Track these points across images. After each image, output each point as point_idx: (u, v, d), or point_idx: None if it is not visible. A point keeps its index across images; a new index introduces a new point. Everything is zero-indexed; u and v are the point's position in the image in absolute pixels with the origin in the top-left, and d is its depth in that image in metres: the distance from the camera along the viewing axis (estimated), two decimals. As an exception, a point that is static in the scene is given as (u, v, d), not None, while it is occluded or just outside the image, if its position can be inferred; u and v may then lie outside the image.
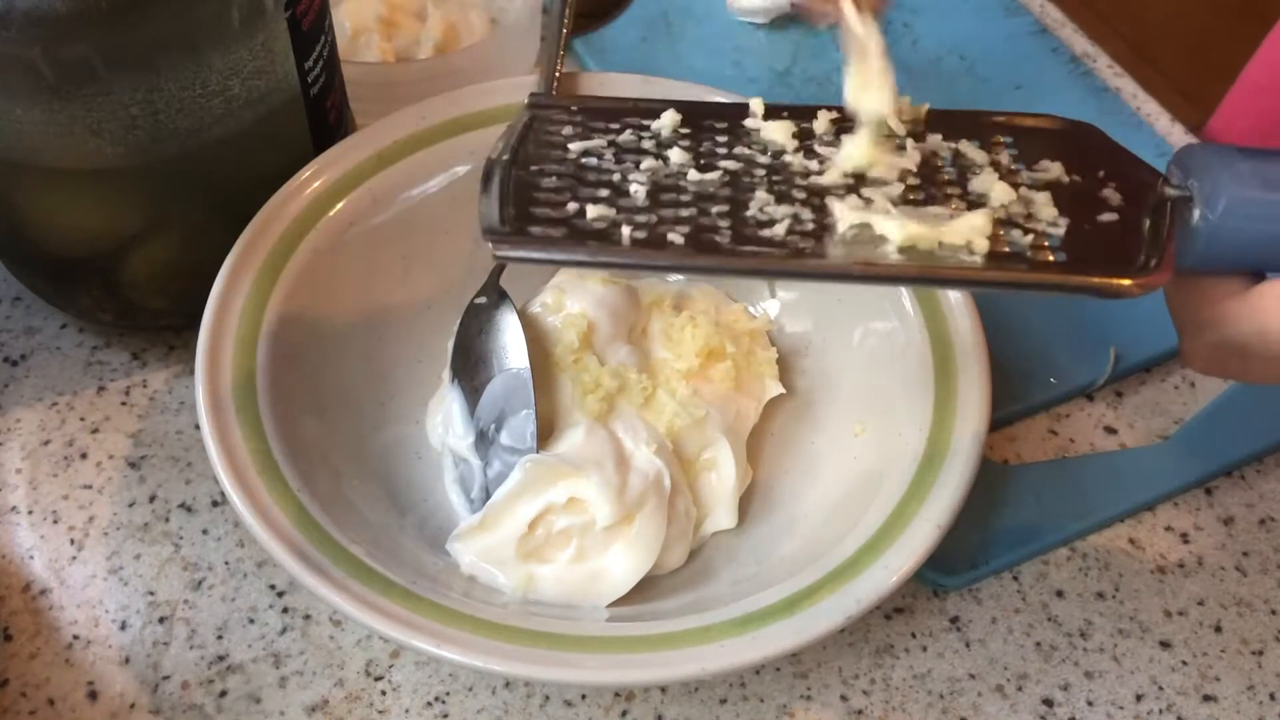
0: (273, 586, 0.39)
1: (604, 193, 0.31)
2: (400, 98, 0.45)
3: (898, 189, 0.32)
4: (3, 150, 0.36)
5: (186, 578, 0.39)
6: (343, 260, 0.41)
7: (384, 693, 0.37)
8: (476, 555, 0.37)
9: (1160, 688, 0.39)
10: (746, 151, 0.33)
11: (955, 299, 0.39)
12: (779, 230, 0.30)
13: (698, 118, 0.34)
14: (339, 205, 0.40)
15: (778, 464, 0.41)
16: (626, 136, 0.33)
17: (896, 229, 0.30)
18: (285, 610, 0.39)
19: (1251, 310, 0.28)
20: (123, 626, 0.38)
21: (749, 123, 0.34)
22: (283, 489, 0.34)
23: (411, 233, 0.42)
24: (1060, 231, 0.30)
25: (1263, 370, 0.29)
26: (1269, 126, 0.65)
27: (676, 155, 0.33)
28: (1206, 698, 0.39)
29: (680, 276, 0.46)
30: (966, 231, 0.30)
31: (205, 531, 0.40)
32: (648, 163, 0.32)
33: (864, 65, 0.33)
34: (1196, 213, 0.29)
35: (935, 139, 0.34)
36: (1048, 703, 0.38)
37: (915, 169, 0.32)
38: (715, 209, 0.31)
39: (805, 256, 0.30)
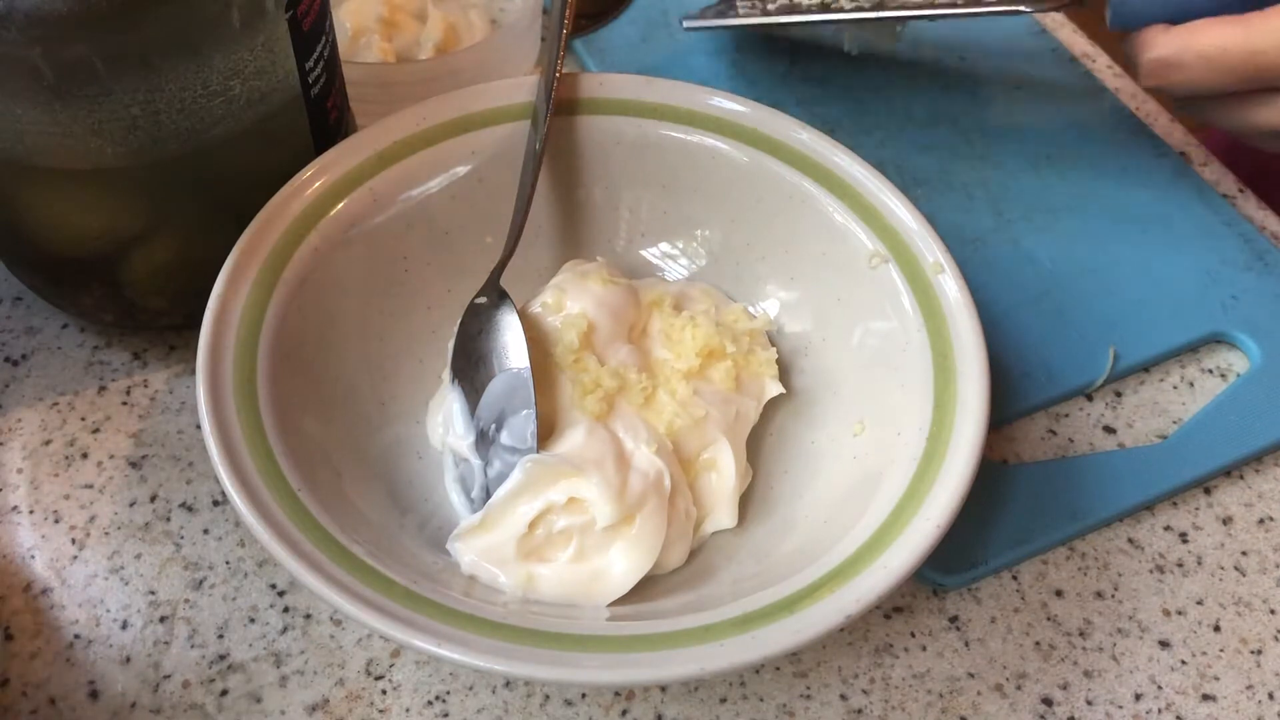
0: (273, 586, 0.39)
1: None
2: (401, 98, 0.45)
3: None
4: (3, 150, 0.36)
5: (187, 577, 0.39)
6: (343, 260, 0.41)
7: (384, 692, 0.37)
8: (477, 555, 0.37)
9: (1159, 687, 0.39)
10: None
11: (955, 299, 0.39)
12: None
13: None
14: (339, 205, 0.41)
15: (778, 464, 0.41)
16: None
17: None
18: (286, 610, 0.39)
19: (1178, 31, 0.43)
20: (124, 626, 0.38)
21: None
22: (283, 489, 0.34)
23: (412, 233, 0.43)
24: None
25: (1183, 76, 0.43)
26: None
27: None
28: (1205, 697, 0.39)
29: (680, 275, 0.46)
30: None
31: (206, 531, 0.40)
32: None
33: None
34: None
35: None
36: (1047, 702, 0.38)
37: None
38: None
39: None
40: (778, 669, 0.38)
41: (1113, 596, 0.41)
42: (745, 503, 0.40)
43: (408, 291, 0.43)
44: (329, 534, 0.34)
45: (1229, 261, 0.49)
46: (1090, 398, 0.46)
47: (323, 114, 0.42)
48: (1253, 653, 0.40)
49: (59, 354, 0.45)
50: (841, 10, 0.51)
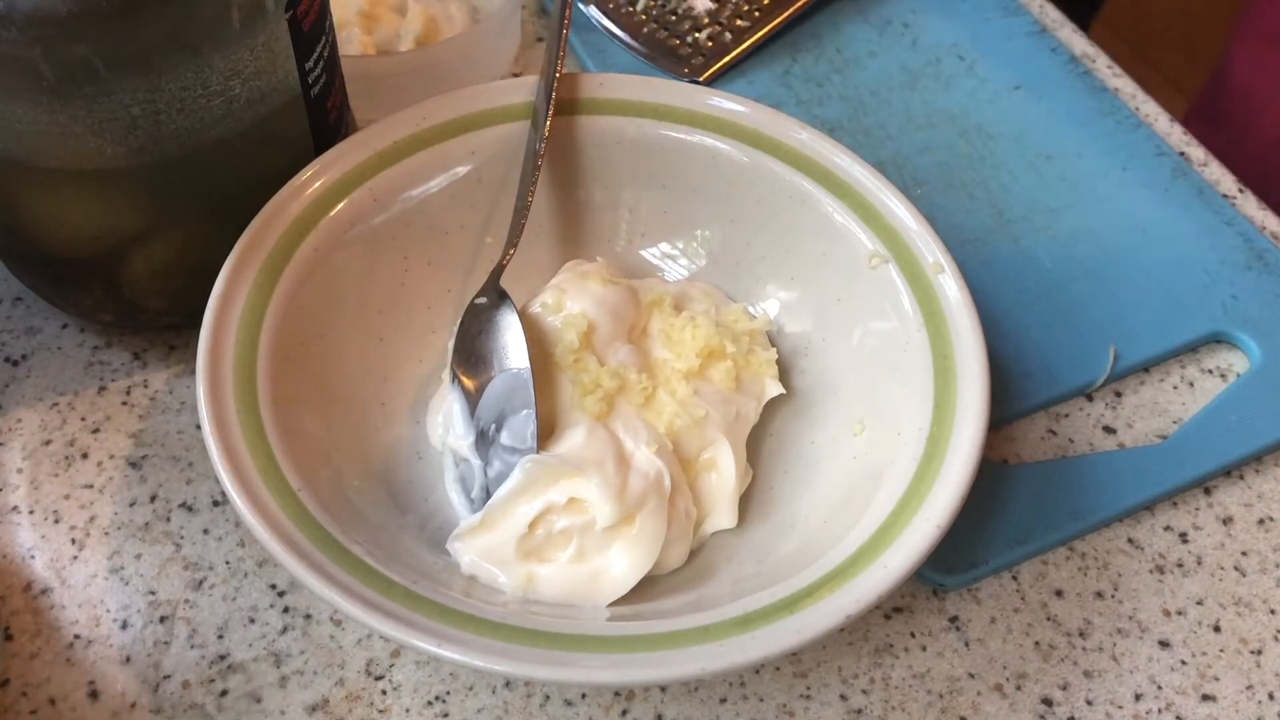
0: (273, 586, 0.39)
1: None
2: (382, 90, 0.45)
3: None
4: (3, 150, 0.36)
5: (187, 577, 0.39)
6: (343, 260, 0.41)
7: (384, 692, 0.37)
8: (477, 555, 0.37)
9: (1159, 687, 0.39)
10: None
11: (955, 299, 0.39)
12: None
13: None
14: (339, 205, 0.41)
15: (778, 464, 0.41)
16: None
17: None
18: (286, 610, 0.39)
19: None
20: (124, 626, 0.38)
21: None
22: (283, 489, 0.34)
23: (411, 233, 0.43)
24: None
25: None
26: None
27: None
28: (1205, 697, 0.39)
29: (680, 275, 0.46)
30: None
31: (206, 531, 0.40)
32: None
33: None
34: None
35: None
36: (1047, 702, 0.38)
37: None
38: None
39: None
40: (778, 669, 0.38)
41: (1113, 596, 0.41)
42: (745, 503, 0.40)
43: (408, 291, 0.43)
44: (329, 534, 0.34)
45: (1229, 261, 0.49)
46: (1090, 398, 0.46)
47: (323, 114, 0.42)
48: (1253, 653, 0.40)
49: (59, 354, 0.45)
50: None
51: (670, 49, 0.56)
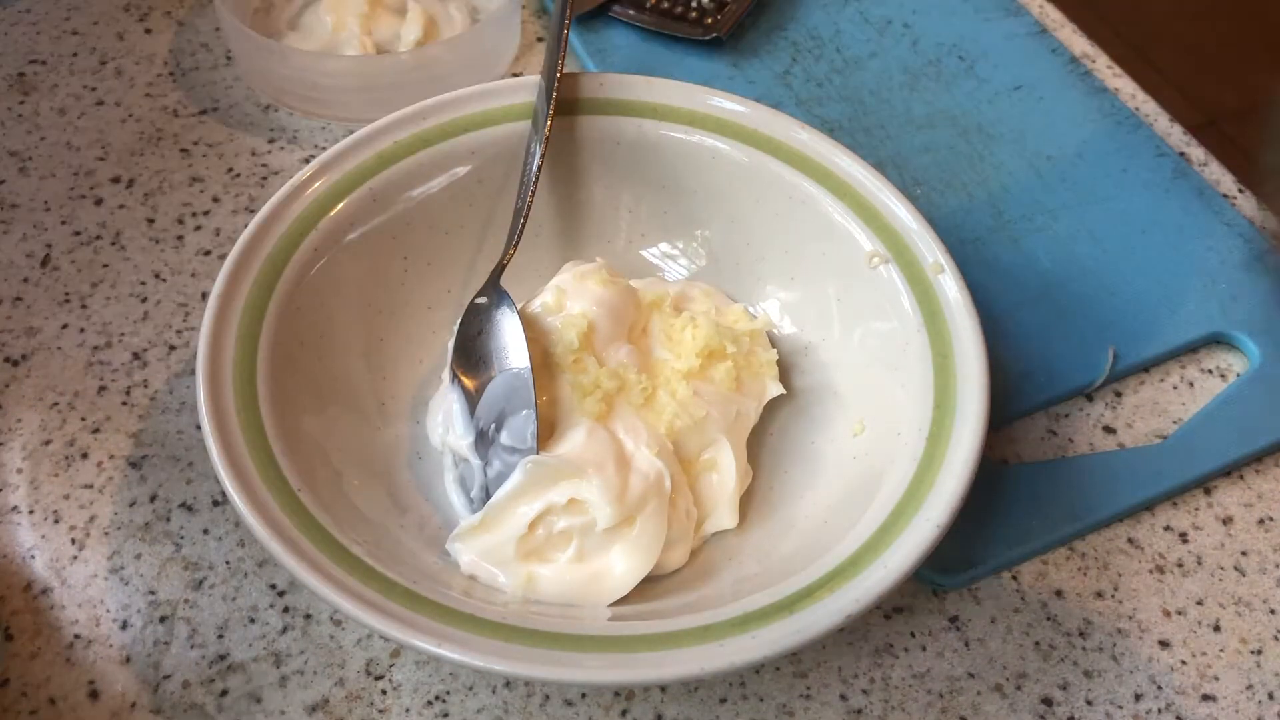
0: (273, 586, 0.39)
1: None
2: (381, 89, 0.45)
3: None
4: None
5: (187, 577, 0.39)
6: (343, 260, 0.41)
7: (384, 692, 0.37)
8: (477, 555, 0.37)
9: (1159, 687, 0.39)
10: None
11: (955, 299, 0.39)
12: None
13: None
14: (340, 205, 0.41)
15: (778, 464, 0.41)
16: None
17: None
18: (286, 610, 0.39)
19: None
20: (124, 626, 0.38)
21: None
22: (283, 489, 0.34)
23: (412, 233, 0.43)
24: None
25: None
26: None
27: None
28: (1205, 697, 0.39)
29: (680, 275, 0.46)
30: None
31: (206, 531, 0.40)
32: None
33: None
34: None
35: None
36: (1046, 702, 0.38)
37: None
38: None
39: None
40: (778, 669, 0.38)
41: (1113, 596, 0.41)
42: (746, 503, 0.40)
43: (408, 291, 0.43)
44: (329, 534, 0.34)
45: (1229, 261, 0.49)
46: (1090, 398, 0.46)
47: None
48: (1253, 653, 0.40)
49: (59, 354, 0.45)
50: None
51: (679, 15, 0.57)
